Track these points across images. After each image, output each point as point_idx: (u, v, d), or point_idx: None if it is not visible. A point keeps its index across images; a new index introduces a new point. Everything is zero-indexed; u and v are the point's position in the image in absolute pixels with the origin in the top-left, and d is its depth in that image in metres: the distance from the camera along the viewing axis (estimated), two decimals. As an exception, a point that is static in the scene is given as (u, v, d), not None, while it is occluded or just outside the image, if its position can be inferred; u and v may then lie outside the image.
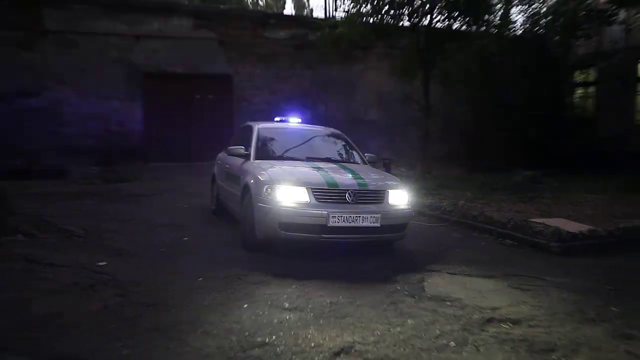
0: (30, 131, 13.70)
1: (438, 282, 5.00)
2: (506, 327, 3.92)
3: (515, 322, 4.01)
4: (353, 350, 3.43)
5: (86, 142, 14.17)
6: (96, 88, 14.26)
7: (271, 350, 3.39)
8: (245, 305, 4.14)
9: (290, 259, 5.59)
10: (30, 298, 4.15)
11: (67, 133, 14.05)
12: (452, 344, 3.60)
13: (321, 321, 3.89)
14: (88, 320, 3.77)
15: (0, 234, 5.76)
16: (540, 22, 15.95)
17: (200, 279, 4.79)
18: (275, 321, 3.85)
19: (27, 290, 4.32)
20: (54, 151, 13.80)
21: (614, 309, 4.40)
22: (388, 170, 11.05)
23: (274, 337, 3.58)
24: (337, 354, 3.38)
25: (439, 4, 13.01)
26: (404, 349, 3.49)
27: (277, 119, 7.99)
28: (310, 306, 4.18)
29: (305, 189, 5.57)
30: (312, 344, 3.49)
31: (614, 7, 13.76)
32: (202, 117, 15.20)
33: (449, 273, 5.36)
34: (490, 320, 4.03)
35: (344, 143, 7.48)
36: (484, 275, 5.28)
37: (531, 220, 7.55)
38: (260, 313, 3.99)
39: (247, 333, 3.62)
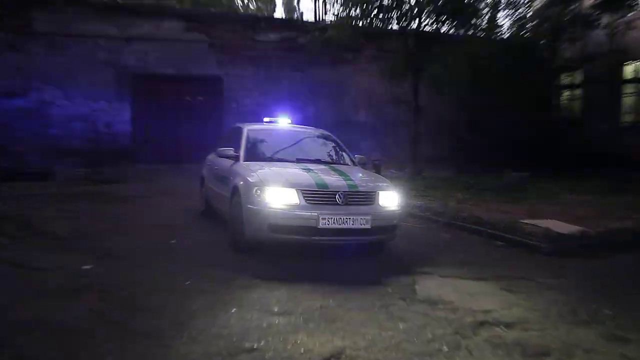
0: (14, 132, 13.48)
1: (429, 285, 4.93)
2: (499, 330, 3.85)
3: (509, 325, 3.94)
4: (343, 356, 3.34)
5: (72, 143, 13.97)
6: (84, 89, 14.07)
7: (259, 356, 3.28)
8: (234, 309, 4.04)
9: (279, 262, 5.50)
10: (14, 303, 4.03)
11: (53, 134, 13.85)
12: (445, 348, 3.51)
13: (311, 325, 3.80)
14: (72, 325, 3.65)
15: (-17, 237, 5.60)
16: (527, 26, 16.01)
17: (187, 282, 4.69)
18: (264, 326, 3.75)
19: (11, 295, 4.20)
20: (39, 152, 13.57)
21: (606, 310, 4.34)
22: (378, 171, 10.95)
23: (262, 342, 3.47)
24: (328, 359, 3.28)
25: (427, 8, 13.02)
26: (396, 354, 3.40)
27: (266, 120, 7.92)
28: (299, 310, 4.09)
29: (295, 191, 5.50)
30: (302, 350, 3.39)
31: (597, 12, 13.86)
32: (191, 119, 15.07)
33: (440, 275, 5.29)
34: (483, 324, 3.95)
35: (333, 144, 7.43)
36: (475, 278, 5.22)
37: (521, 221, 7.51)
38: (249, 317, 3.89)
39: (235, 338, 3.51)
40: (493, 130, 15.20)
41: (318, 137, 7.60)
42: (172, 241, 6.40)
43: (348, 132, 14.36)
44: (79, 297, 4.21)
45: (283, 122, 7.87)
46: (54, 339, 3.41)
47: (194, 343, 3.42)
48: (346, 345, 3.48)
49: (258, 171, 5.96)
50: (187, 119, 15.07)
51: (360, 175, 6.41)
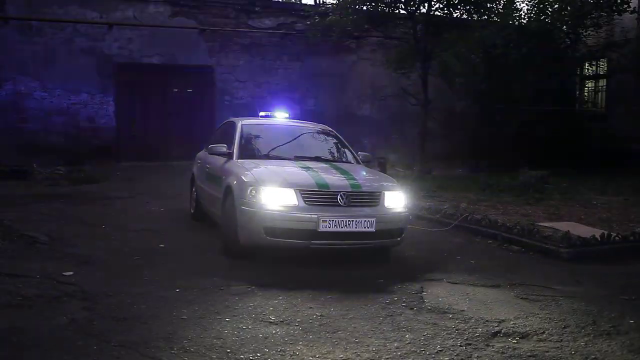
0: (-13, 127, 13.52)
1: (438, 292, 4.98)
2: (513, 341, 3.90)
3: (524, 336, 3.99)
4: (346, 368, 3.39)
5: (51, 139, 14.03)
6: (63, 80, 14.13)
7: (256, 368, 3.34)
8: (227, 319, 4.09)
9: (276, 268, 5.55)
10: (-13, 311, 4.08)
11: (30, 129, 13.90)
12: (455, 360, 3.57)
13: (311, 336, 3.85)
14: (53, 336, 3.69)
15: (-46, 241, 5.65)
16: (547, 11, 16.04)
17: (177, 290, 4.74)
18: (260, 336, 3.80)
19: (-16, 303, 4.24)
20: (14, 149, 13.58)
21: (630, 320, 4.38)
22: (383, 170, 11.05)
23: (258, 354, 3.52)
24: (329, 372, 3.34)
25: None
26: (402, 367, 3.45)
27: (262, 114, 7.98)
28: (298, 319, 4.15)
29: (293, 191, 5.55)
30: (301, 362, 3.44)
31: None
32: (180, 112, 15.12)
33: (451, 282, 5.35)
34: (496, 334, 4.01)
35: (335, 141, 7.48)
36: (488, 285, 5.28)
37: (539, 224, 7.59)
38: (244, 327, 3.94)
39: (229, 350, 3.56)
40: (509, 125, 15.22)
41: (318, 132, 7.65)
42: (160, 245, 6.45)
43: (351, 127, 14.43)
44: (59, 306, 4.25)
45: (280, 116, 7.92)
46: (32, 352, 3.45)
47: (185, 355, 3.46)
48: (348, 357, 3.53)
49: (253, 170, 6.01)
50: (176, 113, 15.11)
51: (364, 174, 6.47)
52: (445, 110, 15.64)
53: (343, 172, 6.21)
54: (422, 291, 4.99)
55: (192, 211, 8.28)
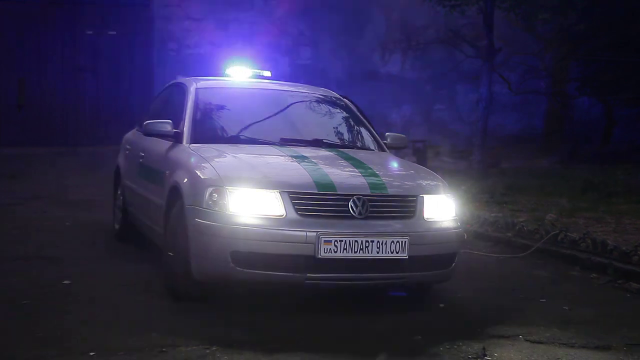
0: None
1: (511, 357, 4.95)
2: None
3: None
4: None
5: None
6: None
7: None
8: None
9: (251, 316, 5.53)
10: None
11: None
12: None
13: None
14: None
15: None
16: None
17: (91, 354, 4.68)
18: None
19: None
20: None
21: None
22: (422, 161, 11.06)
23: None
24: None
25: None
26: None
27: (228, 71, 7.99)
28: (286, 400, 4.15)
29: (278, 194, 5.53)
30: None
31: None
32: (97, 69, 15.10)
33: (531, 340, 5.32)
34: None
35: (345, 114, 7.53)
36: (592, 345, 5.25)
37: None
38: (200, 412, 3.95)
39: None
40: (626, 89, 15.17)
41: (318, 101, 7.69)
42: (65, 282, 6.43)
43: (371, 93, 14.46)
44: None
45: (257, 75, 7.95)
46: None
47: None
48: None
49: (215, 160, 6.02)
50: (89, 70, 15.08)
51: (393, 166, 6.52)
52: (523, 65, 15.60)
53: (358, 164, 6.23)
54: (485, 355, 4.95)
55: (117, 226, 8.33)
